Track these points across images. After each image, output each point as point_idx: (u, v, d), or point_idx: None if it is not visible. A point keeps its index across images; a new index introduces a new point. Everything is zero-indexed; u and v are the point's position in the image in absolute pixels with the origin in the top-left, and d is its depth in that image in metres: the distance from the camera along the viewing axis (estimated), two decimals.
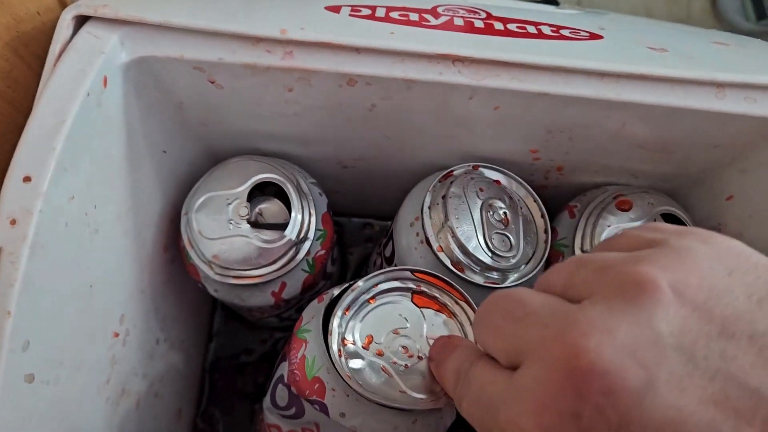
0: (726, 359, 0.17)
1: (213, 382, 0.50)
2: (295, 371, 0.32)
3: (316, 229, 0.38)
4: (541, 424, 0.18)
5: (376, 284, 0.33)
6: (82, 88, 0.28)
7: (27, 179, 0.26)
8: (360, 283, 0.34)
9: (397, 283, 0.33)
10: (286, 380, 0.33)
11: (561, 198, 0.42)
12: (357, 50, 0.31)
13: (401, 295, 0.33)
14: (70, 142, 0.27)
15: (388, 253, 0.40)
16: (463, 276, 0.35)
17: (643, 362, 0.17)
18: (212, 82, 0.33)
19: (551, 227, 0.39)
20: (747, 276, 0.18)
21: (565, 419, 0.17)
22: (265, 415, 0.37)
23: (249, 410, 0.48)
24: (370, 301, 0.33)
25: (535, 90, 0.31)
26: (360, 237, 0.53)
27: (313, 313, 0.34)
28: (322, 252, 0.39)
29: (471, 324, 0.33)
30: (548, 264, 0.40)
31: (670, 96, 0.31)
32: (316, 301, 0.35)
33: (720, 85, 0.32)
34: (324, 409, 0.31)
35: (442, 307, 0.33)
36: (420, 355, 0.31)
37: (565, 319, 0.19)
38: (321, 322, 0.32)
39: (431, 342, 0.31)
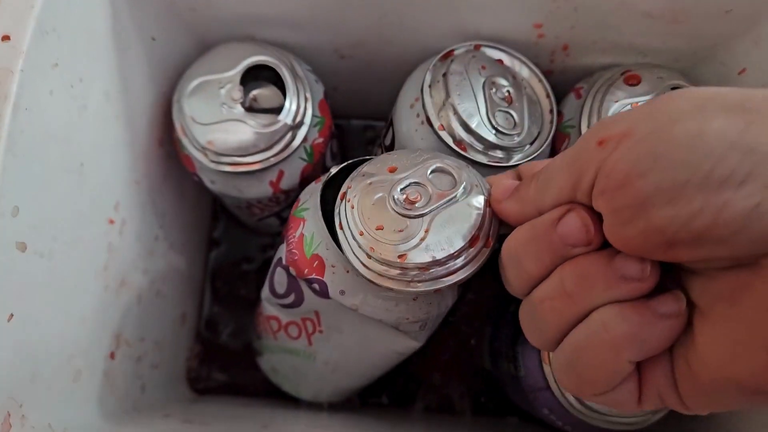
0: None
1: (215, 289, 0.49)
2: (294, 250, 0.31)
3: (313, 116, 0.37)
4: None
5: None
6: None
7: (6, 38, 0.25)
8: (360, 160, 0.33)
9: None
10: (284, 261, 0.33)
11: (567, 84, 0.41)
12: None
13: None
14: (50, 3, 0.26)
15: (388, 141, 0.39)
16: (466, 155, 0.34)
17: None
18: None
19: (557, 111, 0.37)
20: None
21: None
22: (263, 306, 0.37)
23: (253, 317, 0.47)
24: None
25: None
26: (361, 140, 0.52)
27: (310, 192, 0.33)
28: (320, 140, 0.38)
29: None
30: (553, 145, 0.38)
31: None
32: (313, 183, 0.34)
33: None
34: (323, 287, 0.31)
35: None
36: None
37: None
38: (318, 199, 0.31)
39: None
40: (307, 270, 0.31)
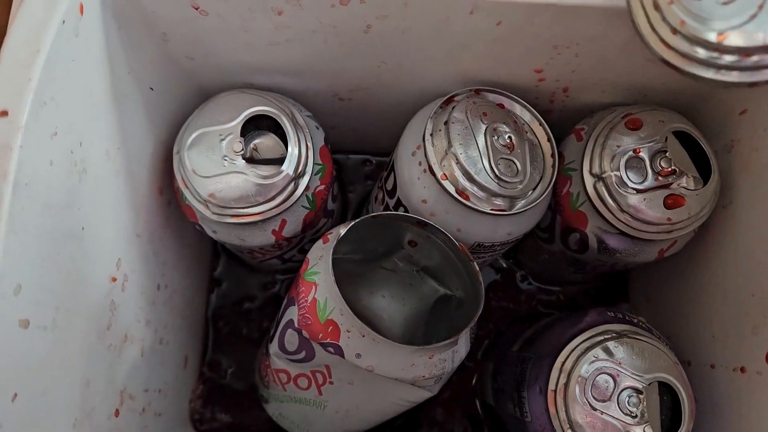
0: None
1: (217, 330, 0.49)
2: (307, 315, 0.31)
3: (314, 164, 0.37)
4: None
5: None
6: (57, 16, 0.26)
7: (4, 113, 0.25)
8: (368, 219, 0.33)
9: None
10: (296, 324, 0.32)
11: (567, 123, 0.41)
12: None
13: None
14: (48, 74, 0.26)
15: (389, 186, 0.39)
16: (469, 204, 0.34)
17: None
18: (196, 8, 0.31)
19: (558, 152, 0.37)
20: None
21: None
22: (272, 360, 0.37)
23: (256, 355, 0.47)
24: None
25: (540, 1, 0.29)
26: (360, 174, 0.52)
27: (320, 253, 0.33)
28: (322, 187, 0.38)
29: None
30: (555, 190, 0.38)
31: None
32: (321, 241, 0.34)
33: None
34: (339, 351, 0.31)
35: None
36: None
37: None
38: (330, 263, 0.31)
39: None
40: (321, 335, 0.31)
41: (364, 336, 0.30)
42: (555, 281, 0.51)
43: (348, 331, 0.30)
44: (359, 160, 0.52)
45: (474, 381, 0.48)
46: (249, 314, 0.49)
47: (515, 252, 0.50)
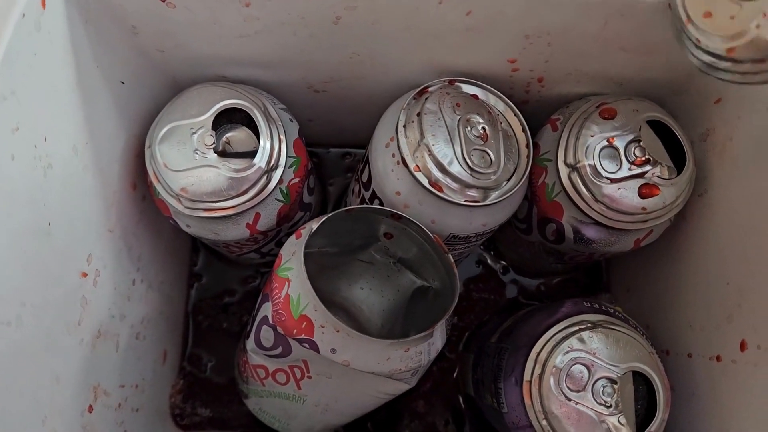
0: None
1: (197, 324, 0.49)
2: (281, 311, 0.31)
3: (288, 156, 0.36)
4: None
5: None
6: (16, 9, 0.26)
7: None
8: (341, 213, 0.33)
9: None
10: (271, 321, 0.32)
11: (544, 113, 0.40)
12: None
13: None
14: (8, 68, 0.25)
15: (365, 178, 0.38)
16: (443, 195, 0.34)
17: None
18: (163, 1, 0.31)
19: (533, 143, 0.37)
20: None
21: None
22: (249, 356, 0.37)
23: (236, 350, 0.47)
24: None
25: None
26: (339, 167, 0.51)
27: (293, 249, 0.33)
28: (296, 180, 0.37)
29: None
30: (531, 180, 0.38)
31: None
32: (294, 236, 0.34)
33: None
34: (314, 346, 0.31)
35: None
36: None
37: None
38: (302, 259, 0.31)
39: None
40: (296, 331, 0.31)
41: (338, 331, 0.30)
42: (536, 272, 0.51)
43: (322, 327, 0.30)
44: (339, 154, 0.52)
45: (455, 373, 0.48)
46: (229, 308, 0.49)
47: (495, 243, 0.50)
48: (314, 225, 0.32)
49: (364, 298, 0.44)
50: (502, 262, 0.51)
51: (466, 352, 0.48)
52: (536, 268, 0.50)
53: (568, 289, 0.50)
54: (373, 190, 0.37)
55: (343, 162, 0.52)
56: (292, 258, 0.32)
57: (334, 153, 0.51)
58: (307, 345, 0.31)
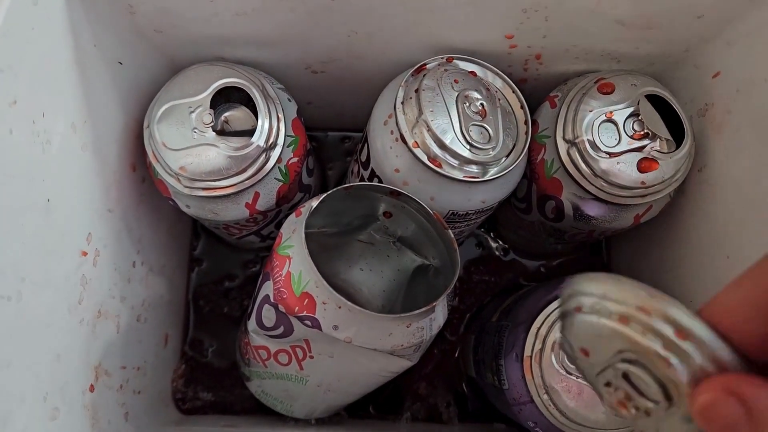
0: None
1: (198, 308, 0.49)
2: (282, 289, 0.31)
3: (287, 135, 0.36)
4: None
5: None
6: None
7: None
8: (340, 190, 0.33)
9: None
10: (272, 299, 0.32)
11: (543, 91, 0.40)
12: None
13: None
14: (5, 41, 0.25)
15: (363, 157, 0.38)
16: (441, 171, 0.34)
17: None
18: None
19: (532, 119, 0.37)
20: None
21: None
22: (251, 337, 0.37)
23: (237, 333, 0.47)
24: None
25: None
26: (339, 151, 0.51)
27: (293, 227, 0.33)
28: (295, 159, 0.37)
29: None
30: (530, 158, 0.38)
31: None
32: (294, 215, 0.34)
33: None
34: (316, 323, 0.31)
35: None
36: None
37: None
38: (303, 235, 0.31)
39: None
40: (297, 308, 0.31)
41: (340, 308, 0.30)
42: (536, 253, 0.51)
43: (324, 303, 0.30)
44: (338, 137, 0.52)
45: (456, 354, 0.48)
46: (230, 293, 0.49)
47: (495, 224, 0.50)
48: (314, 203, 0.32)
49: (364, 279, 0.44)
50: (503, 243, 0.51)
51: (467, 333, 0.48)
52: (537, 249, 0.50)
53: (569, 269, 0.50)
54: (372, 169, 0.37)
55: (342, 146, 0.52)
56: (292, 236, 0.32)
57: (333, 137, 0.51)
58: (309, 323, 0.31)
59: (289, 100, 0.38)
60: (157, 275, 0.43)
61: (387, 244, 0.41)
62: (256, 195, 0.37)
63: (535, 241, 0.47)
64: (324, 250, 0.41)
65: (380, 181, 0.37)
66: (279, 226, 0.42)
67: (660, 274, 0.43)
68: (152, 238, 0.41)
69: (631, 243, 0.47)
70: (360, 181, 0.40)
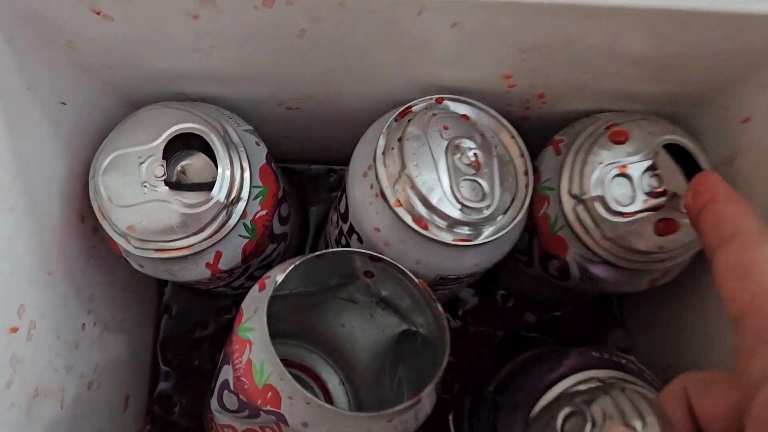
0: None
1: (166, 361, 0.44)
2: (242, 378, 0.27)
3: (252, 187, 0.32)
4: None
5: None
6: None
7: None
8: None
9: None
10: (232, 387, 0.28)
11: (546, 131, 0.36)
12: None
13: None
14: None
15: (342, 208, 0.34)
16: (428, 234, 0.29)
17: None
18: (97, 13, 0.27)
19: (534, 167, 0.33)
20: None
21: None
22: (215, 416, 0.32)
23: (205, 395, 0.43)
24: None
25: None
26: (324, 186, 0.47)
27: (254, 305, 0.28)
28: (263, 213, 0.33)
29: None
30: (531, 211, 0.34)
31: None
32: (257, 288, 0.30)
33: None
34: (282, 419, 0.26)
35: None
36: None
37: None
38: (265, 319, 0.26)
39: None
40: (260, 401, 0.26)
41: (308, 404, 0.26)
42: (540, 302, 0.46)
43: (290, 398, 0.26)
44: (322, 171, 0.47)
45: (451, 416, 0.44)
46: (201, 344, 0.45)
47: (496, 272, 0.46)
48: (279, 276, 0.28)
49: (347, 335, 0.39)
50: (503, 290, 0.46)
51: (462, 393, 0.43)
52: (541, 295, 0.45)
53: (575, 320, 0.45)
54: (351, 224, 0.33)
55: (327, 180, 0.47)
56: (253, 316, 0.28)
57: (316, 170, 0.47)
58: (274, 417, 0.26)
59: (257, 144, 0.34)
60: (114, 333, 0.38)
61: (370, 304, 0.36)
62: (218, 254, 0.32)
63: (539, 291, 0.42)
64: (300, 309, 0.37)
65: (359, 237, 0.32)
66: (252, 277, 0.38)
67: (680, 331, 0.38)
68: (107, 293, 0.37)
69: (649, 298, 0.42)
70: (339, 233, 0.35)
